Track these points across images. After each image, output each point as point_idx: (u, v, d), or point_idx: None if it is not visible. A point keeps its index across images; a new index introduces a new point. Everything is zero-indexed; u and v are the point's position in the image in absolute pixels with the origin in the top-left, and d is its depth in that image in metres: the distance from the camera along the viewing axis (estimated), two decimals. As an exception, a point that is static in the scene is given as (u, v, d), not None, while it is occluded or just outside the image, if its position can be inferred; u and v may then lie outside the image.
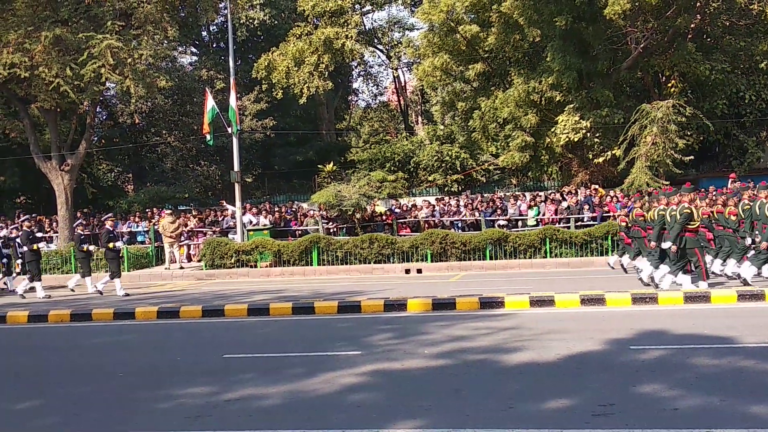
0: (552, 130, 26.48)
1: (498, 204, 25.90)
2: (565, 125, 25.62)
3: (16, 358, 10.15)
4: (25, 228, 19.53)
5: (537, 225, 23.69)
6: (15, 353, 10.57)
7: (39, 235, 24.26)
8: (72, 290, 19.17)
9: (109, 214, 21.21)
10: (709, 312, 10.86)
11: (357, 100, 54.01)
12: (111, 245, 18.10)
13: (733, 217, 14.89)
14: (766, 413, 5.69)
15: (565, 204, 24.37)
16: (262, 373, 7.97)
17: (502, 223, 24.51)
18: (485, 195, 28.25)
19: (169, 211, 24.38)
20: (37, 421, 6.44)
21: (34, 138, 30.47)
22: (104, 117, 40.09)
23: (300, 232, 25.09)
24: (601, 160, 25.95)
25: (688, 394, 6.28)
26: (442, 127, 36.40)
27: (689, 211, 13.09)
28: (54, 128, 30.45)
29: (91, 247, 19.13)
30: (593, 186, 25.62)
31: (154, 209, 28.20)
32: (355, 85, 50.97)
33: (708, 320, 10.03)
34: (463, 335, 9.75)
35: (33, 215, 27.61)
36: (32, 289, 18.26)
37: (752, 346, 8.23)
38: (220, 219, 27.15)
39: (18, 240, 20.37)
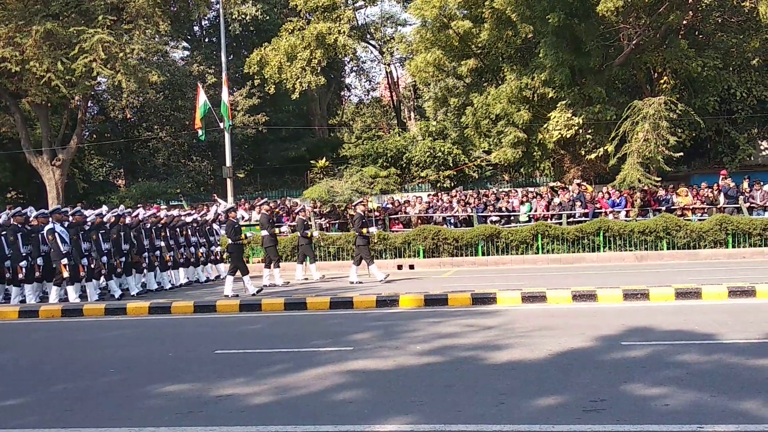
0: (544, 126, 26.51)
1: (491, 199, 25.92)
2: (557, 121, 25.65)
3: (6, 354, 10.10)
4: (264, 211, 18.78)
5: (529, 221, 23.74)
6: (5, 350, 10.52)
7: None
8: (306, 278, 18.55)
9: (362, 199, 20.60)
10: (700, 308, 10.90)
11: (349, 96, 53.98)
12: (365, 231, 17.58)
13: None
14: (756, 409, 5.71)
15: (557, 200, 24.42)
16: (254, 369, 7.96)
17: (494, 219, 24.55)
18: (481, 191, 28.29)
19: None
20: (29, 418, 6.42)
21: (25, 133, 30.39)
22: (95, 112, 39.97)
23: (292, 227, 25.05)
24: (593, 156, 25.99)
25: (679, 391, 6.30)
26: (434, 122, 36.38)
27: None
28: (45, 123, 30.37)
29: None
30: (576, 182, 25.65)
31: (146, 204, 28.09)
32: (347, 81, 50.93)
33: (699, 316, 10.07)
34: (455, 331, 9.76)
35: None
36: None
37: (742, 342, 8.26)
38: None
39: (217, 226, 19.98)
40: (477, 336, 9.33)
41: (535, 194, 26.21)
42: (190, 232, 18.93)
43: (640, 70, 27.36)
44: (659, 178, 23.65)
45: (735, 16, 26.88)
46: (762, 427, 5.30)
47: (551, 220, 23.42)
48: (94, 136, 39.39)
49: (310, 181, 34.77)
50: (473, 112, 28.50)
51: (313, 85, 34.27)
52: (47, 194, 29.64)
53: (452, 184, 31.72)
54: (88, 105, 34.16)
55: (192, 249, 18.93)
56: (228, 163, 26.08)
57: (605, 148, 24.87)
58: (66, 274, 15.07)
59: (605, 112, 25.21)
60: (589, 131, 26.21)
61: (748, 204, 22.73)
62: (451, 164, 32.01)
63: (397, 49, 37.91)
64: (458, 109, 31.65)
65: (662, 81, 27.17)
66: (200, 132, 26.82)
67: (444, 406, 6.19)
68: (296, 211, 20.40)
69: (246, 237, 16.92)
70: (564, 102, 25.79)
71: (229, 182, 25.88)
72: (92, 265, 15.60)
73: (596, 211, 23.49)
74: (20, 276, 15.55)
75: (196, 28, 43.51)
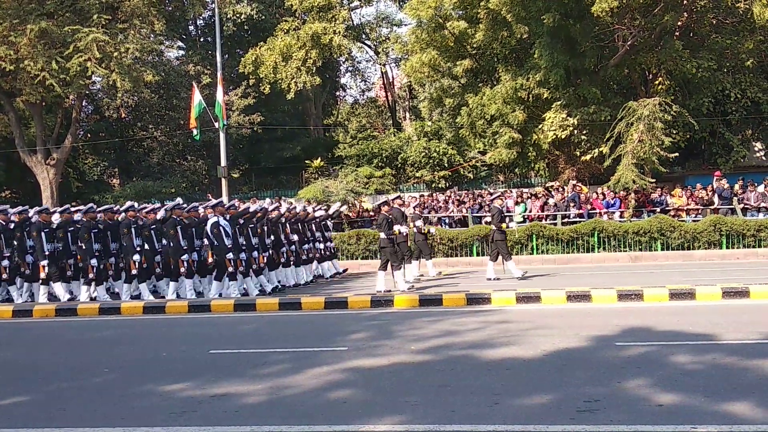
0: (539, 126, 26.55)
1: (486, 200, 25.94)
2: (552, 122, 25.69)
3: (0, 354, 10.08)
4: (396, 206, 16.96)
5: (524, 221, 23.76)
6: (-1, 348, 10.50)
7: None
8: (437, 274, 17.62)
9: (499, 192, 19.70)
10: (694, 309, 10.92)
11: (345, 96, 53.96)
12: (503, 225, 16.99)
13: None
14: (749, 410, 5.73)
15: (551, 201, 24.45)
16: (248, 368, 7.95)
17: (489, 219, 24.55)
18: (476, 191, 28.32)
19: None
20: (22, 417, 6.40)
21: (20, 132, 30.34)
22: (90, 111, 39.92)
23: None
24: (588, 157, 26.03)
25: (673, 391, 6.31)
26: (429, 123, 36.43)
27: None
28: (39, 122, 30.32)
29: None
30: (572, 182, 25.70)
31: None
32: (342, 81, 50.94)
33: (693, 317, 10.09)
34: (450, 331, 9.76)
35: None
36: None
37: (736, 343, 8.28)
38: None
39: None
40: (472, 336, 9.33)
41: (529, 195, 26.24)
42: (315, 228, 18.42)
43: (635, 71, 27.43)
44: (654, 179, 23.71)
45: (729, 18, 26.94)
46: (755, 428, 5.32)
47: (546, 220, 23.45)
48: (89, 135, 39.34)
49: (305, 181, 34.80)
50: (468, 112, 28.52)
51: (308, 85, 34.28)
52: (41, 193, 29.58)
53: (447, 185, 31.74)
54: (83, 104, 34.11)
55: (320, 245, 18.45)
56: (223, 162, 26.04)
57: (600, 149, 24.93)
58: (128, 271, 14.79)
59: (600, 112, 25.26)
60: (584, 132, 26.26)
61: (742, 205, 22.79)
62: (446, 164, 32.04)
63: (393, 49, 37.93)
64: (453, 110, 31.69)
65: (657, 82, 27.22)
66: (195, 132, 26.78)
67: (438, 406, 6.19)
68: (412, 206, 19.92)
69: (400, 232, 16.01)
70: (559, 103, 25.82)
71: (224, 182, 25.84)
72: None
73: (591, 211, 23.53)
74: (182, 270, 14.70)
75: (191, 28, 43.47)
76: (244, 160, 40.98)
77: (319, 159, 35.45)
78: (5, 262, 15.02)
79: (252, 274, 15.44)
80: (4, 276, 15.13)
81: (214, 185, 33.77)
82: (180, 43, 43.41)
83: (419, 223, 17.97)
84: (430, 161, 32.08)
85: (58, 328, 12.27)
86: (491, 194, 20.90)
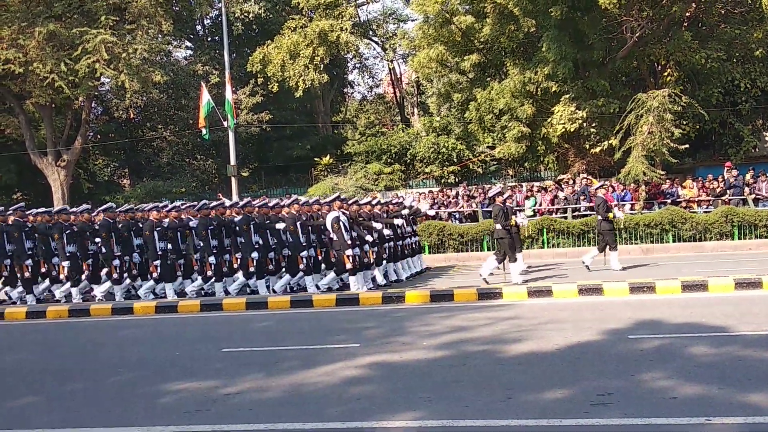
0: (548, 120, 26.46)
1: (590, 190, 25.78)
2: (561, 115, 25.60)
3: (14, 355, 10.14)
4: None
5: (534, 215, 23.71)
6: (13, 351, 10.55)
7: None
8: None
9: (603, 182, 19.19)
10: (707, 300, 10.88)
11: (353, 93, 53.87)
12: (610, 215, 16.61)
13: None
14: (764, 401, 5.71)
15: (561, 194, 24.40)
16: (262, 366, 7.98)
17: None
18: (486, 186, 28.28)
19: None
20: (38, 418, 6.44)
21: (30, 134, 30.48)
22: (99, 112, 40.05)
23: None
24: (597, 149, 25.94)
25: (687, 383, 6.30)
26: (438, 118, 36.38)
27: None
28: (49, 124, 30.45)
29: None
30: (582, 176, 25.61)
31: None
32: (350, 78, 50.86)
33: (705, 309, 10.05)
34: (462, 326, 9.76)
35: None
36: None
37: (749, 335, 8.25)
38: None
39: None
40: (484, 331, 9.33)
41: (539, 189, 26.18)
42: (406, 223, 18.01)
43: (644, 62, 27.27)
44: (664, 171, 23.61)
45: (738, 7, 26.75)
46: (770, 419, 5.30)
47: (556, 214, 23.39)
48: (99, 136, 39.47)
49: (314, 178, 34.81)
50: (476, 107, 28.45)
51: (316, 82, 34.26)
52: (52, 195, 29.73)
53: (457, 180, 31.70)
54: (92, 105, 34.22)
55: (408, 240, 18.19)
56: (232, 161, 26.09)
57: (610, 141, 24.83)
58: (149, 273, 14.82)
59: (609, 105, 25.17)
60: (593, 125, 26.15)
61: (753, 195, 22.68)
62: (455, 160, 32.00)
63: (400, 45, 37.82)
64: (462, 105, 31.60)
65: (666, 73, 27.07)
66: (204, 131, 26.85)
67: (451, 401, 6.20)
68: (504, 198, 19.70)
69: (517, 223, 15.71)
70: (567, 96, 25.72)
71: (233, 181, 25.88)
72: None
73: (601, 204, 23.42)
74: (301, 266, 14.64)
75: (198, 28, 43.50)
76: (254, 158, 41.02)
77: (328, 156, 35.45)
78: (116, 262, 14.94)
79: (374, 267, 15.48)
80: (115, 275, 14.97)
81: (223, 184, 33.82)
82: (188, 43, 43.43)
83: (522, 215, 18.25)
84: (439, 157, 32.04)
85: (71, 329, 12.33)
86: (589, 184, 20.78)
